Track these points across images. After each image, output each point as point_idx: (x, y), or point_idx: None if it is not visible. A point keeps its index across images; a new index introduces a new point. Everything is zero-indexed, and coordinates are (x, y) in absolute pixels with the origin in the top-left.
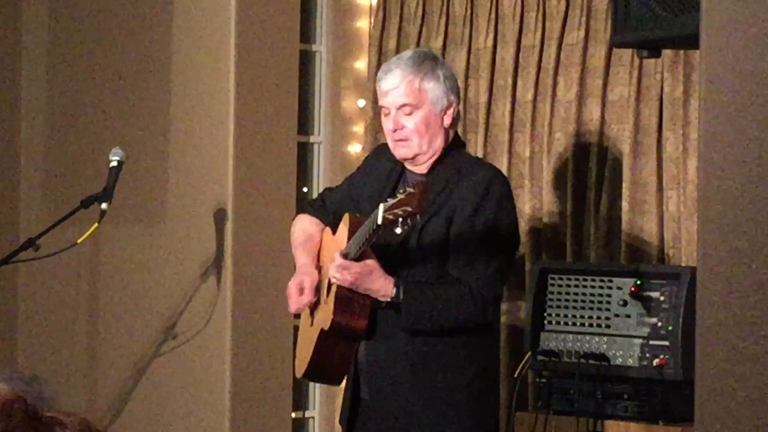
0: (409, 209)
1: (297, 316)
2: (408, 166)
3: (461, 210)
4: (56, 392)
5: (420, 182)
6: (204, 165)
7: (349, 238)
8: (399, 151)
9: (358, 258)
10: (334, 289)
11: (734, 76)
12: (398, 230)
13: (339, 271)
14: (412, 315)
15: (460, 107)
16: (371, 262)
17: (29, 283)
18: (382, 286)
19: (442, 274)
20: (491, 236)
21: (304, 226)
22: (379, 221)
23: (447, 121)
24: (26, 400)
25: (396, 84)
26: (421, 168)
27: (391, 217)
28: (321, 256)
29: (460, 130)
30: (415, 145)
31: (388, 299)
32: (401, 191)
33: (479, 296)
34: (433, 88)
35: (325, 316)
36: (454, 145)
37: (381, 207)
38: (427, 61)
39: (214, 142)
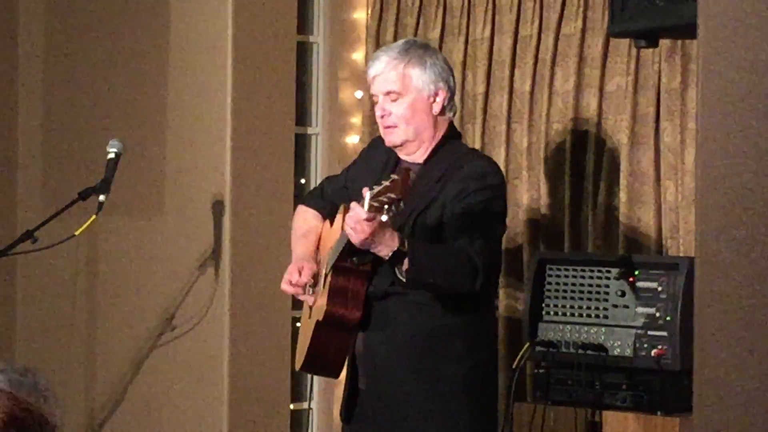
0: (393, 196)
1: (298, 307)
2: (400, 154)
3: (454, 198)
4: (50, 382)
5: (403, 169)
6: (201, 157)
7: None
8: (388, 138)
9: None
10: (329, 279)
11: (732, 66)
12: (384, 217)
13: (356, 225)
14: (417, 269)
15: (457, 98)
16: (385, 219)
17: (27, 275)
18: (391, 239)
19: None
20: (484, 215)
21: (306, 218)
22: (366, 208)
23: (436, 108)
24: None
25: (381, 70)
26: (416, 158)
27: (376, 204)
28: (320, 249)
29: (457, 121)
30: (402, 131)
31: (394, 249)
32: (386, 179)
33: (473, 261)
34: (418, 75)
35: (320, 307)
36: (450, 136)
37: (367, 195)
38: (414, 49)
39: (211, 133)
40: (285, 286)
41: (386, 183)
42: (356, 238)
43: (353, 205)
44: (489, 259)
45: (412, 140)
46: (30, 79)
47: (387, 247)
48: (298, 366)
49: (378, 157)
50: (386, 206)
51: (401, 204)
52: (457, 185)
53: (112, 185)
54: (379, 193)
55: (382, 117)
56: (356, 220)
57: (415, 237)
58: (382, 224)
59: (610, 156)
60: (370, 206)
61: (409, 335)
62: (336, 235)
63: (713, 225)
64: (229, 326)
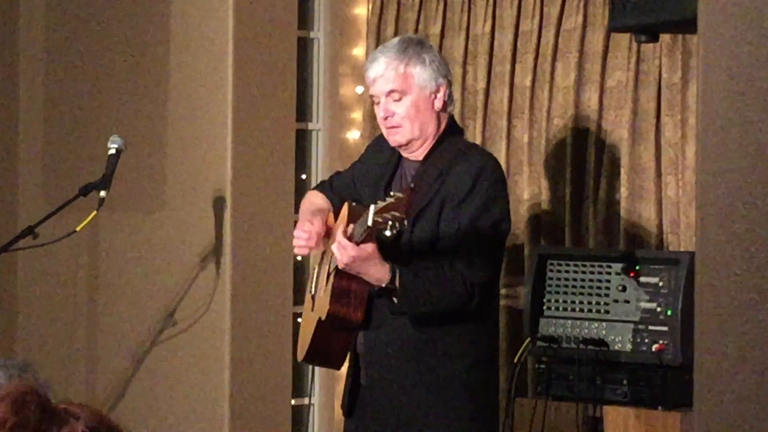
0: (397, 214)
1: (299, 302)
2: (404, 153)
3: (452, 196)
4: (49, 378)
5: (408, 188)
6: (202, 152)
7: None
8: (392, 138)
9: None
10: (332, 279)
11: (732, 61)
12: (387, 233)
13: (339, 249)
14: (406, 301)
15: (457, 93)
16: (370, 248)
17: (28, 271)
18: (377, 272)
19: (435, 260)
20: (480, 223)
21: (313, 200)
22: (369, 223)
23: (438, 104)
24: (38, 391)
25: (381, 71)
26: (417, 155)
27: (380, 220)
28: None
29: (457, 117)
30: (407, 130)
31: (383, 285)
32: (391, 194)
33: (468, 281)
34: (419, 73)
35: (322, 305)
36: (451, 132)
37: (372, 209)
38: (412, 47)
39: (212, 129)
40: (297, 240)
41: (391, 200)
42: (340, 261)
43: (339, 235)
44: (488, 271)
45: (416, 138)
46: (31, 75)
47: (375, 276)
48: (300, 357)
49: (382, 153)
50: (389, 223)
51: (405, 223)
52: (454, 183)
53: (113, 181)
54: (383, 210)
55: (386, 118)
56: (337, 245)
57: (415, 236)
58: (365, 254)
59: (611, 151)
60: (374, 221)
61: (410, 331)
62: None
63: (714, 220)
64: (230, 322)
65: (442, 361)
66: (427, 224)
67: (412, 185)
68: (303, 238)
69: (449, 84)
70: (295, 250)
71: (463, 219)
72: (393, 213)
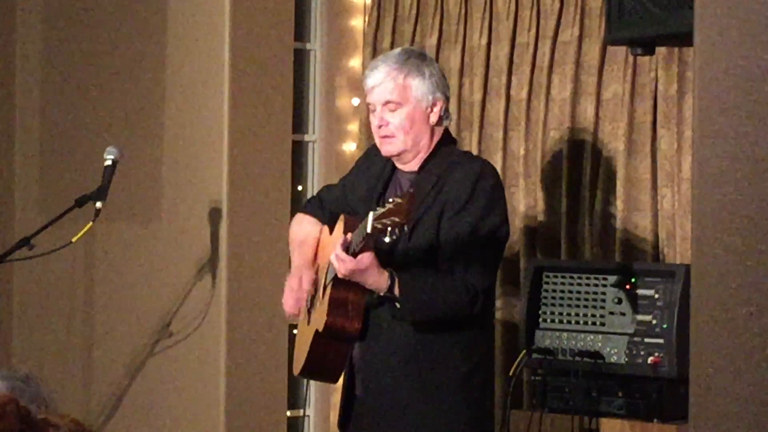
0: (397, 220)
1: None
2: (398, 165)
3: (451, 204)
4: (52, 390)
5: (408, 193)
6: (199, 164)
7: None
8: (385, 148)
9: (358, 253)
10: (329, 290)
11: (728, 73)
12: (387, 239)
13: (337, 261)
14: (407, 308)
15: (454, 105)
16: (367, 258)
17: (24, 282)
18: (376, 281)
19: (433, 267)
20: (480, 230)
21: (302, 225)
22: (369, 230)
23: (433, 118)
24: (18, 401)
25: (380, 80)
26: (411, 166)
27: (379, 226)
28: (318, 256)
29: (454, 129)
30: (400, 141)
31: (382, 293)
32: (390, 200)
33: (470, 288)
34: (418, 85)
35: (319, 317)
36: (445, 143)
37: (371, 215)
38: (412, 59)
39: (208, 140)
40: (288, 302)
41: (390, 206)
42: (338, 271)
43: (337, 247)
44: (489, 277)
45: (409, 150)
46: (27, 86)
47: (376, 283)
48: (296, 371)
49: (374, 166)
50: (389, 228)
51: (405, 228)
52: (452, 190)
53: (108, 192)
54: (382, 215)
55: (380, 127)
56: (335, 257)
57: (413, 244)
58: (362, 265)
59: (607, 163)
60: (373, 227)
61: (405, 342)
62: (334, 245)
63: (709, 232)
64: (225, 333)
65: (438, 371)
66: (426, 232)
67: (411, 190)
68: (291, 306)
69: (447, 100)
70: (285, 308)
71: (464, 226)
72: (392, 218)
